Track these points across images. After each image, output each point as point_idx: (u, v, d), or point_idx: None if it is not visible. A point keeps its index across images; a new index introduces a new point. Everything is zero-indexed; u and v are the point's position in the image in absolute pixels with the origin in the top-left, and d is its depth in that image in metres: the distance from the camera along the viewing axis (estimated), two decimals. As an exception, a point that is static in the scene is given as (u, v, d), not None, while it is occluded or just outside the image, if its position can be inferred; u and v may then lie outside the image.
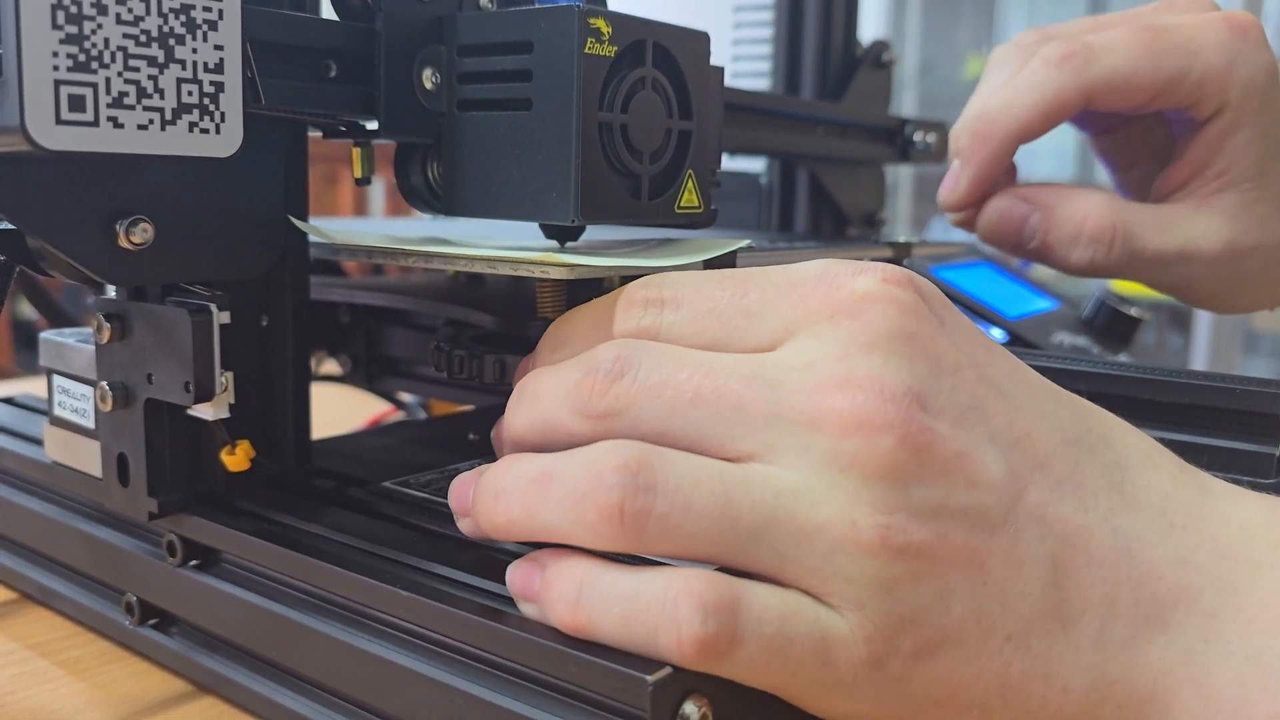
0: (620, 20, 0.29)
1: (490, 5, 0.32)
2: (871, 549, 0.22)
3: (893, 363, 0.24)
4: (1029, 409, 0.25)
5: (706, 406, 0.24)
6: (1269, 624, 0.23)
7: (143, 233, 0.29)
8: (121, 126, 0.26)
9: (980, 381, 0.25)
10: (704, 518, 0.23)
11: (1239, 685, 0.23)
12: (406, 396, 0.60)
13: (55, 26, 0.24)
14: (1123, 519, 0.24)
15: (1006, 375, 0.25)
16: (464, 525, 0.28)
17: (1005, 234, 0.44)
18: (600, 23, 0.28)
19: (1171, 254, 0.41)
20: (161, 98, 0.26)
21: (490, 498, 0.26)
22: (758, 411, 0.24)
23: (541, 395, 0.26)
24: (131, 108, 0.26)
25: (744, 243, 0.33)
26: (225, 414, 0.31)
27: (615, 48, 0.29)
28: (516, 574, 0.26)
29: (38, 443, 0.39)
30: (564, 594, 0.24)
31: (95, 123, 0.25)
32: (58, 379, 0.36)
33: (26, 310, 2.48)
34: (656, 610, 0.23)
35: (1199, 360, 1.85)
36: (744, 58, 0.60)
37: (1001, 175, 0.44)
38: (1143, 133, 0.48)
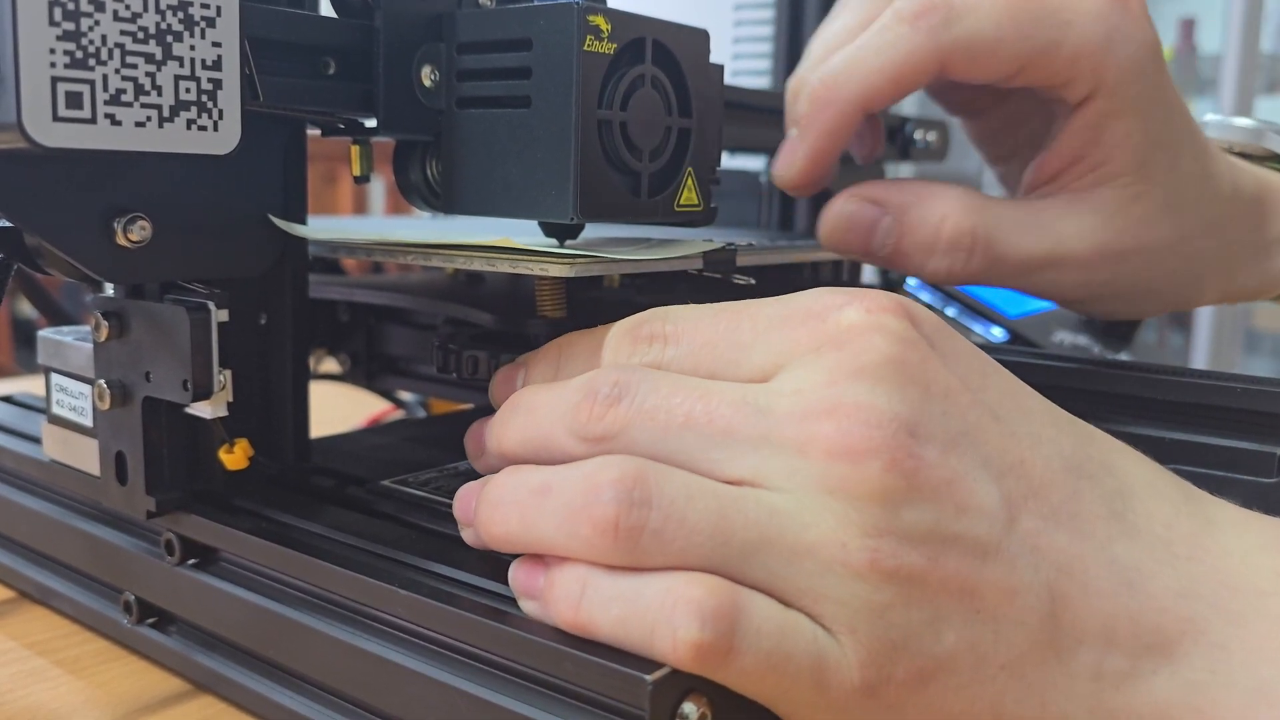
0: (620, 17, 0.29)
1: (490, 2, 0.32)
2: (861, 572, 0.22)
3: (880, 390, 0.24)
4: (1025, 435, 0.25)
5: (697, 430, 0.24)
6: (1275, 653, 0.23)
7: (141, 230, 0.29)
8: (119, 124, 0.26)
9: (974, 407, 0.24)
10: (698, 533, 0.23)
11: (1245, 715, 0.23)
12: (406, 395, 0.59)
13: (52, 23, 0.24)
14: (1122, 548, 0.24)
15: (1003, 400, 0.25)
16: (467, 535, 0.28)
17: (852, 241, 0.36)
18: (600, 20, 0.28)
19: (1039, 259, 0.35)
20: (159, 95, 0.26)
21: (490, 508, 0.26)
22: (746, 436, 0.24)
23: (537, 411, 0.27)
24: (129, 105, 0.26)
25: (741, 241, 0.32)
26: (223, 412, 0.31)
27: (615, 45, 0.29)
28: (520, 572, 0.26)
29: (36, 441, 0.39)
30: (567, 593, 0.24)
31: (92, 120, 0.25)
32: (56, 377, 0.36)
33: (25, 308, 2.48)
34: (654, 613, 0.23)
35: (1200, 359, 1.85)
36: (744, 55, 0.60)
37: (841, 148, 0.36)
38: (1018, 118, 0.41)
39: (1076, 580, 0.23)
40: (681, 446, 0.24)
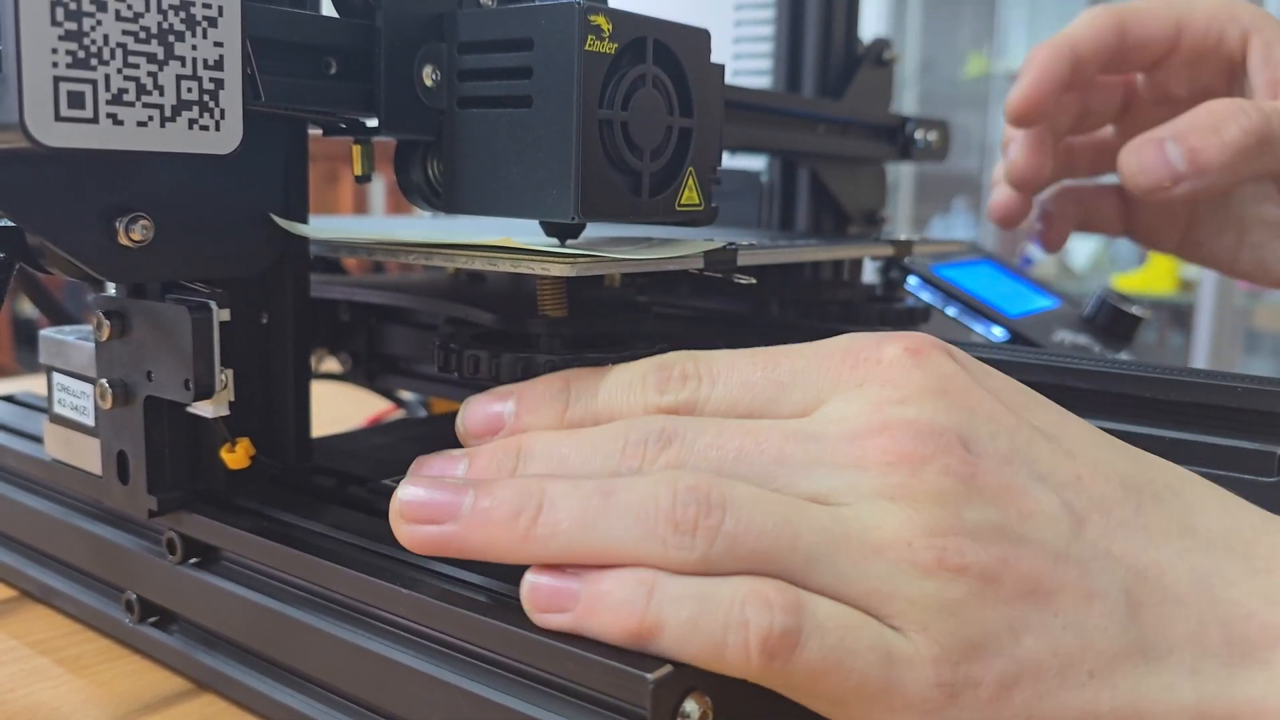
0: (621, 17, 0.29)
1: (491, 2, 0.32)
2: (929, 569, 0.23)
3: (927, 411, 0.24)
4: (1080, 454, 0.25)
5: (751, 463, 0.24)
6: None
7: (143, 230, 0.29)
8: (121, 123, 0.26)
9: (1022, 428, 0.25)
10: (765, 535, 0.23)
11: None
12: (406, 394, 0.59)
13: (54, 23, 0.24)
14: (1199, 558, 0.24)
15: (1052, 425, 0.25)
16: (428, 534, 0.25)
17: (1150, 168, 0.44)
18: (601, 20, 0.28)
19: None
20: (161, 94, 0.26)
21: (530, 509, 0.24)
22: (799, 461, 0.24)
23: (564, 457, 0.26)
24: (131, 104, 0.26)
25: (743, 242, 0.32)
26: (225, 411, 0.31)
27: (616, 45, 0.29)
28: (541, 585, 0.24)
29: (38, 440, 0.39)
30: (629, 596, 0.23)
31: (95, 120, 0.25)
32: (58, 376, 0.36)
33: (26, 308, 2.48)
34: (726, 610, 0.23)
35: (1200, 359, 1.85)
36: (745, 55, 0.60)
37: (1060, 87, 0.46)
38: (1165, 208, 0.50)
39: (1154, 585, 0.23)
40: (737, 480, 0.24)
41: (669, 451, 0.25)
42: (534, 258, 0.28)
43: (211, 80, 0.27)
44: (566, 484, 0.25)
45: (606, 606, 0.23)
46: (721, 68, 0.33)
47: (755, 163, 0.61)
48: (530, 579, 0.25)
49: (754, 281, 0.34)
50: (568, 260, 0.28)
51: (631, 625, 0.23)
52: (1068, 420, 0.26)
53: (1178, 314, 2.38)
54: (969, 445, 0.24)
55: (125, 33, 0.25)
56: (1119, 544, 0.24)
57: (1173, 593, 0.23)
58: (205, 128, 0.27)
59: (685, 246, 0.32)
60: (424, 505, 0.26)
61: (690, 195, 0.32)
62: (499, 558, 0.25)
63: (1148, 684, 0.23)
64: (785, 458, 0.24)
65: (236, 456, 0.33)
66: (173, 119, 0.27)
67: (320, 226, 0.34)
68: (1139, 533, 0.24)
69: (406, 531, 0.26)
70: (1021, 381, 0.27)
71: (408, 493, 0.26)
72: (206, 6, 0.27)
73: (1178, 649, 0.23)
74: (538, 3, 0.29)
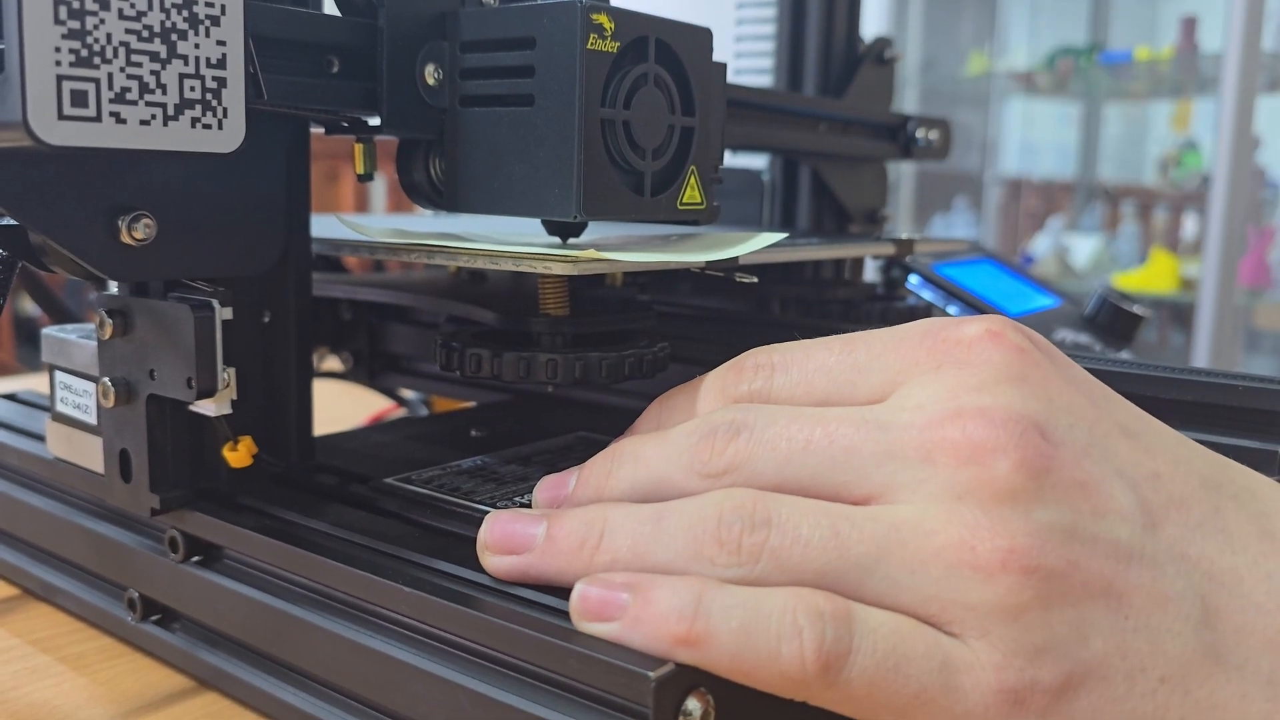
0: (623, 16, 0.29)
1: (493, 1, 0.32)
2: (991, 572, 0.22)
3: (1004, 397, 0.23)
4: (1160, 452, 0.24)
5: (819, 453, 0.24)
6: None
7: (145, 228, 0.29)
8: (124, 122, 0.26)
9: (1101, 420, 0.24)
10: (811, 548, 0.23)
11: None
12: (408, 393, 0.60)
13: (58, 22, 0.24)
14: (1277, 564, 0.23)
15: (1131, 421, 0.25)
16: (509, 564, 0.27)
17: None
18: (603, 19, 0.28)
19: None
20: (164, 93, 0.26)
21: (593, 537, 0.25)
22: (869, 453, 0.24)
23: (647, 458, 0.26)
24: (134, 103, 0.26)
25: (769, 238, 0.32)
26: (227, 410, 0.31)
27: (618, 44, 0.29)
28: (591, 594, 0.24)
29: (40, 439, 0.39)
30: (679, 605, 0.23)
31: (98, 118, 0.25)
32: (60, 375, 0.36)
33: (28, 306, 2.48)
34: (777, 618, 0.22)
35: (1201, 358, 1.85)
36: (746, 54, 0.60)
37: None
38: None
39: (1232, 593, 0.23)
40: (805, 472, 0.24)
41: (737, 443, 0.25)
42: (535, 257, 0.28)
43: (214, 79, 0.27)
44: (625, 510, 0.25)
45: (654, 614, 0.23)
46: (723, 67, 0.33)
47: (757, 161, 0.61)
48: (580, 588, 0.24)
49: (755, 280, 0.34)
50: (569, 259, 0.28)
51: (680, 631, 0.23)
52: (1147, 418, 0.26)
53: (1178, 313, 2.38)
54: (1046, 435, 0.23)
55: (128, 31, 0.25)
56: (1195, 546, 0.23)
57: (1251, 600, 0.23)
58: (208, 126, 0.27)
59: (704, 247, 0.32)
60: (504, 537, 0.27)
61: (692, 194, 0.32)
62: (569, 583, 0.25)
63: (1221, 692, 0.22)
64: (856, 449, 0.24)
65: (238, 455, 0.33)
66: (175, 117, 0.27)
67: (373, 225, 0.34)
68: (1216, 535, 0.23)
69: (491, 562, 0.27)
70: None
71: (490, 526, 0.27)
72: (209, 5, 0.27)
73: (1253, 657, 0.22)
74: (540, 1, 0.29)
